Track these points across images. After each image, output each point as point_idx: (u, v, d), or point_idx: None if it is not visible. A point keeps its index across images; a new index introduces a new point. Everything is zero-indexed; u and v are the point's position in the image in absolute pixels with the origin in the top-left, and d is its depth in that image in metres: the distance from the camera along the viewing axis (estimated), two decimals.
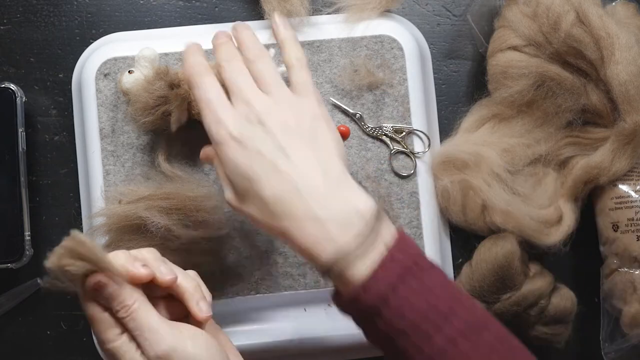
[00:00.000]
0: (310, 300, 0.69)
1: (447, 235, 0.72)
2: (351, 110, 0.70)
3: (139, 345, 0.48)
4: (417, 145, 0.71)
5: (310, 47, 0.71)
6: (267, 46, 0.67)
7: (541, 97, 0.69)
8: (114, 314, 0.49)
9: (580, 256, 0.73)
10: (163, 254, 0.53)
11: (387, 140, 0.70)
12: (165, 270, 0.51)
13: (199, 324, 0.52)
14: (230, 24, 0.60)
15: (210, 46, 0.59)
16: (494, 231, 0.69)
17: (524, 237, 0.68)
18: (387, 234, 0.50)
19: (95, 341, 0.69)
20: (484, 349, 0.47)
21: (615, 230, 0.69)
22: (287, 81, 0.57)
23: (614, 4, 0.71)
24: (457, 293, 0.50)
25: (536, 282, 0.68)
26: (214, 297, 0.55)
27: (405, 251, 0.50)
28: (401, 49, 0.71)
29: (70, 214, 0.71)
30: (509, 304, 0.67)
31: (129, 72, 0.65)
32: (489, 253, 0.68)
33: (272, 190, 0.51)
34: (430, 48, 0.74)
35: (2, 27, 0.73)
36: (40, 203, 0.72)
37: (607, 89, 0.67)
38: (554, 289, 0.69)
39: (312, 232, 0.50)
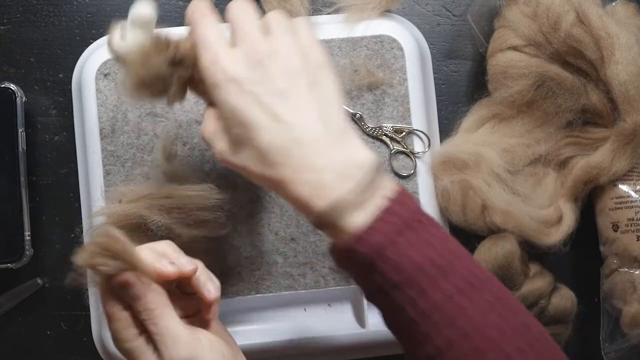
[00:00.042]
0: (310, 300, 0.69)
1: None
2: (351, 110, 0.70)
3: (156, 348, 0.48)
4: (417, 146, 0.71)
5: None
6: None
7: (541, 97, 0.69)
8: (134, 313, 0.48)
9: (580, 256, 0.73)
10: None
11: (387, 140, 0.70)
12: (185, 262, 0.51)
13: (208, 320, 0.52)
14: None
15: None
16: (494, 231, 0.69)
17: (524, 237, 0.68)
18: (387, 187, 0.48)
19: (96, 338, 0.69)
20: (483, 306, 0.45)
21: (615, 230, 0.69)
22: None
23: (614, 4, 0.71)
24: (457, 250, 0.48)
25: (536, 282, 0.68)
26: None
27: (405, 204, 0.47)
28: (401, 49, 0.71)
29: (70, 214, 0.71)
30: None
31: (121, 36, 0.53)
32: (489, 253, 0.68)
33: (269, 138, 0.48)
34: (430, 48, 0.74)
35: (2, 27, 0.73)
36: (40, 203, 0.72)
37: (607, 89, 0.67)
38: (554, 289, 0.69)
39: (308, 182, 0.47)
